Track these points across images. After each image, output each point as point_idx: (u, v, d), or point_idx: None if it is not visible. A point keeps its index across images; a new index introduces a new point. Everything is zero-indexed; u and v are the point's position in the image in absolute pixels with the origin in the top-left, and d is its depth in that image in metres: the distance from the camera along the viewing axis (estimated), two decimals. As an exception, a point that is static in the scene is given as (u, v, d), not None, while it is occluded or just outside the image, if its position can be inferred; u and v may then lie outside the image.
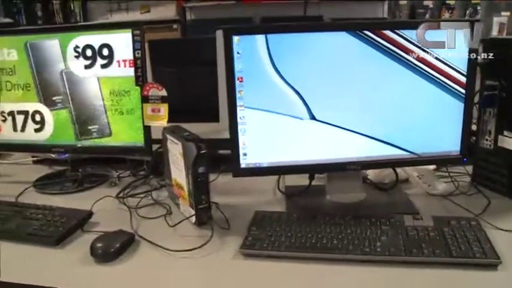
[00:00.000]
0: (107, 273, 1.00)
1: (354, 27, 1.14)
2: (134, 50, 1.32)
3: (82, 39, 1.37)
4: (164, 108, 1.32)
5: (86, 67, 1.38)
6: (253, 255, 1.03)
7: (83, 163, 1.54)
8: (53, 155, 1.51)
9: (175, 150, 1.18)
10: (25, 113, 1.47)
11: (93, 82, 1.38)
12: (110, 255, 1.04)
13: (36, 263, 1.06)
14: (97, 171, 1.54)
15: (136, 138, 1.37)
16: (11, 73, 1.46)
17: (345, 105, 1.17)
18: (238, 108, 1.15)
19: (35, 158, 1.67)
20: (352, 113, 1.18)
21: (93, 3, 3.56)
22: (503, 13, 3.30)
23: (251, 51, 1.12)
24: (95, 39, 1.35)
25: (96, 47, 1.36)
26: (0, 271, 1.02)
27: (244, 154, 1.18)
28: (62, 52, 1.39)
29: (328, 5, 3.28)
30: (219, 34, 1.45)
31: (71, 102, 1.41)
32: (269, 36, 1.12)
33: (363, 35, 1.13)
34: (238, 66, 1.12)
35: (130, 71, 1.34)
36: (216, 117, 1.58)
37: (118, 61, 1.35)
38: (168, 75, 1.92)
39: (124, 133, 1.38)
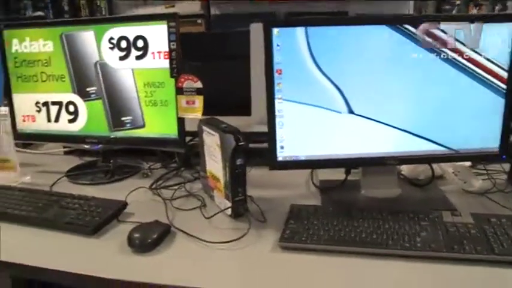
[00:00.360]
0: (145, 264, 1.00)
1: (395, 21, 1.12)
2: (169, 41, 1.32)
3: (117, 31, 1.37)
4: (199, 100, 1.32)
5: (121, 58, 1.38)
6: (291, 248, 1.02)
7: (114, 154, 1.55)
8: (85, 146, 1.51)
9: (211, 142, 1.18)
10: (59, 103, 1.48)
11: (127, 73, 1.38)
12: (147, 245, 1.04)
13: (74, 252, 1.07)
14: (128, 162, 1.55)
15: (169, 130, 1.37)
16: (46, 64, 1.47)
17: (384, 99, 1.16)
18: (276, 101, 1.14)
19: (66, 149, 1.69)
20: (390, 107, 1.17)
21: (118, -3, 3.60)
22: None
23: (291, 44, 1.11)
24: (130, 30, 1.36)
25: (131, 39, 1.36)
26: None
27: (282, 147, 1.17)
28: (96, 43, 1.40)
29: (354, 2, 3.25)
30: (254, 27, 1.45)
31: (104, 93, 1.42)
32: (309, 28, 1.11)
33: (403, 28, 1.12)
34: (277, 58, 1.12)
35: (165, 63, 1.34)
36: (244, 111, 1.58)
37: (153, 53, 1.34)
38: (193, 69, 1.91)
39: (157, 125, 1.39)
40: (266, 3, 3.29)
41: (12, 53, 1.50)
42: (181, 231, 1.11)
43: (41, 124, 1.52)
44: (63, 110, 1.48)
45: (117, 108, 1.42)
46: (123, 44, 1.37)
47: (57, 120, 1.50)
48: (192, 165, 1.47)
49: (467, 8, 3.25)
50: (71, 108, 1.47)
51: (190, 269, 0.98)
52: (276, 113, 1.14)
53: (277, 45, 1.11)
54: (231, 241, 1.05)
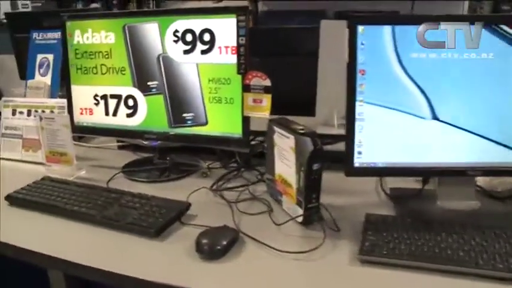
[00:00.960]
0: (215, 271, 0.95)
1: (489, 20, 1.03)
2: (238, 36, 1.26)
3: (182, 24, 1.31)
4: (267, 99, 1.25)
5: (185, 52, 1.32)
6: (372, 262, 0.95)
7: (170, 151, 1.50)
8: (143, 142, 1.46)
9: (284, 144, 1.11)
10: (118, 97, 1.44)
11: (191, 68, 1.33)
12: (216, 252, 0.98)
13: (136, 254, 1.02)
14: (185, 160, 1.49)
15: (233, 129, 1.31)
16: (107, 56, 1.42)
17: (471, 106, 1.07)
18: (357, 103, 1.06)
19: (120, 143, 1.64)
20: (476, 114, 1.08)
21: (165, -10, 3.56)
22: None
23: (376, 43, 1.04)
24: (196, 23, 1.30)
25: (197, 32, 1.30)
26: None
27: (359, 153, 1.10)
28: (160, 36, 1.34)
29: (406, 3, 3.13)
30: (325, 24, 1.38)
31: (166, 88, 1.37)
32: (396, 27, 1.03)
33: (498, 29, 1.03)
34: (361, 58, 1.04)
35: (232, 58, 1.28)
36: (306, 111, 1.51)
37: (219, 47, 1.28)
38: (252, 64, 1.85)
39: (221, 123, 1.33)
40: (315, 2, 3.20)
41: (74, 44, 1.47)
42: (251, 237, 1.04)
43: (98, 117, 1.48)
44: (122, 104, 1.44)
45: (178, 104, 1.36)
46: (189, 37, 1.31)
47: (115, 114, 1.45)
48: (253, 166, 1.40)
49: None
50: (130, 102, 1.42)
51: (262, 279, 0.92)
52: (356, 116, 1.07)
53: (362, 43, 1.03)
54: (307, 251, 0.98)
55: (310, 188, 1.06)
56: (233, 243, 1.02)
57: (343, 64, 1.31)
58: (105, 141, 1.71)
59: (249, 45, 1.26)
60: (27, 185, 1.32)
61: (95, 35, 1.43)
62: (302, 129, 1.06)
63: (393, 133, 1.09)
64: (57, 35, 1.76)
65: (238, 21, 1.25)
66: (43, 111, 1.59)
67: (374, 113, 1.07)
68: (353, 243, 1.01)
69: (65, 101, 1.56)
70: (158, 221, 1.09)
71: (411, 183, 1.24)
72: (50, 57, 1.78)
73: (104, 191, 1.26)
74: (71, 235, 1.10)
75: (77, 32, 1.45)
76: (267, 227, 1.10)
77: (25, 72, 1.85)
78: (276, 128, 1.15)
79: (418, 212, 1.15)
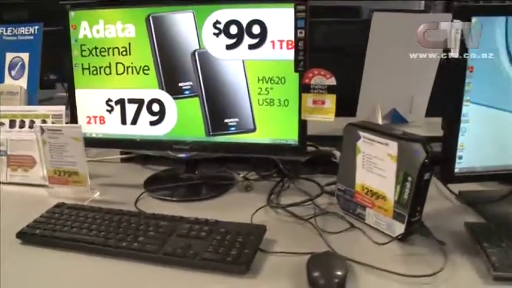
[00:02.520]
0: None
1: None
2: (296, 28, 1.09)
3: (225, 13, 1.12)
4: (331, 100, 1.10)
5: (228, 47, 1.13)
6: (504, 278, 0.85)
7: (195, 163, 1.30)
8: (171, 153, 1.24)
9: (375, 151, 0.97)
10: (139, 101, 1.21)
11: (236, 66, 1.14)
12: (335, 285, 0.82)
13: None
14: (216, 173, 1.30)
15: (287, 135, 1.15)
16: (124, 53, 1.19)
17: None
18: (463, 103, 0.95)
19: (124, 156, 1.40)
20: None
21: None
22: None
23: (488, 36, 0.93)
24: (244, 13, 1.11)
25: (244, 24, 1.12)
26: None
27: (460, 157, 0.99)
28: (196, 28, 1.14)
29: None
30: (377, 17, 1.26)
31: (203, 89, 1.16)
32: (510, 19, 0.93)
33: None
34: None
35: (288, 54, 1.11)
36: (344, 110, 1.38)
37: (272, 41, 1.11)
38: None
39: (273, 128, 1.16)
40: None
41: (80, 38, 1.21)
42: (358, 262, 0.89)
43: (112, 127, 1.24)
44: (144, 110, 1.21)
45: (219, 107, 1.17)
46: (233, 29, 1.12)
47: (134, 122, 1.22)
48: (300, 175, 1.25)
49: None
50: (155, 107, 1.20)
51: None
52: (462, 117, 0.96)
53: (473, 37, 0.92)
54: (433, 274, 0.85)
55: (417, 200, 0.93)
56: (347, 272, 0.86)
57: (394, 59, 1.21)
58: (102, 153, 1.45)
59: (309, 39, 1.10)
60: (41, 216, 1.06)
61: (108, 28, 1.19)
62: (405, 135, 0.93)
63: (497, 135, 0.99)
64: (34, 29, 1.48)
65: (296, 12, 1.09)
66: (32, 121, 1.31)
67: (480, 113, 0.97)
68: (470, 258, 0.90)
69: (61, 108, 1.29)
70: (243, 252, 0.90)
71: (475, 185, 1.15)
72: (25, 56, 1.48)
73: (147, 218, 1.03)
74: (125, 279, 0.88)
75: (84, 24, 1.20)
76: (363, 246, 0.96)
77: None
78: (361, 133, 1.00)
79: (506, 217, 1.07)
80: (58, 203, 1.11)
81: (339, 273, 0.84)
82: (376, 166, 0.98)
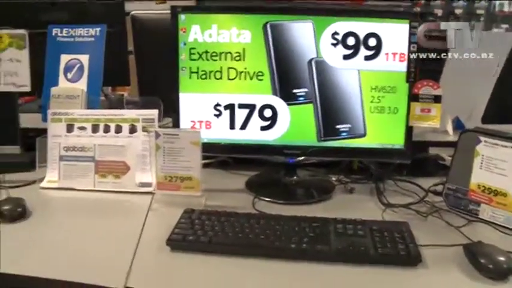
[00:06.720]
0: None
1: None
2: (410, 43, 1.20)
3: (343, 25, 1.19)
4: (436, 109, 1.22)
5: (345, 57, 1.20)
6: None
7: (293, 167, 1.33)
8: (281, 158, 1.27)
9: (498, 153, 1.10)
10: (251, 107, 1.22)
11: (351, 75, 1.21)
12: (503, 271, 0.93)
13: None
14: (312, 176, 1.35)
15: (394, 140, 1.24)
16: (237, 58, 1.20)
17: None
18: None
19: (207, 161, 1.38)
20: None
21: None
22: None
23: None
24: (361, 26, 1.19)
25: (361, 36, 1.19)
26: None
27: None
28: (315, 38, 1.19)
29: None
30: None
31: (318, 96, 1.21)
32: None
33: None
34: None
35: (400, 66, 1.21)
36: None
37: (386, 53, 1.20)
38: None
39: (381, 134, 1.24)
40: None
41: (189, 42, 1.20)
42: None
43: (219, 131, 1.24)
44: (256, 115, 1.23)
45: (332, 114, 1.22)
46: (351, 40, 1.19)
47: (243, 127, 1.23)
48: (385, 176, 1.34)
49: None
50: (267, 113, 1.22)
51: None
52: None
53: None
54: None
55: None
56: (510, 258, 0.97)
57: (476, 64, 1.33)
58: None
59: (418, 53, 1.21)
60: (180, 223, 1.04)
61: (221, 33, 1.19)
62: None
63: None
64: (96, 31, 1.40)
65: (411, 27, 1.19)
66: (118, 126, 1.25)
67: None
68: None
69: (153, 112, 1.25)
70: (409, 245, 0.98)
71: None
72: (83, 58, 1.40)
73: (294, 220, 1.06)
74: (298, 279, 0.91)
75: (195, 28, 1.19)
76: (495, 236, 1.08)
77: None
78: (483, 138, 1.13)
79: None
80: (187, 209, 1.09)
81: (503, 258, 0.94)
82: (497, 166, 1.11)
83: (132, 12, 1.63)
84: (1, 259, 0.93)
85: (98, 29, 1.40)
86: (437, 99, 1.21)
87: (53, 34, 1.42)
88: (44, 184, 1.26)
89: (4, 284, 0.91)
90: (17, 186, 1.25)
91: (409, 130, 1.23)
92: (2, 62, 1.25)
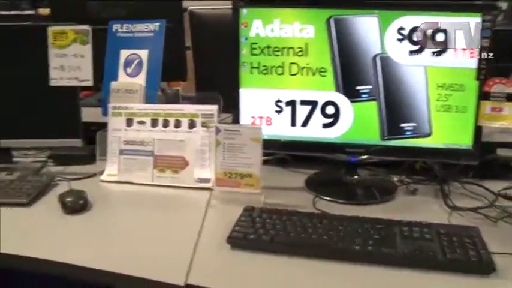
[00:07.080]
0: None
1: None
2: (482, 38, 1.13)
3: (410, 20, 1.14)
4: (509, 108, 1.15)
5: (412, 53, 1.15)
6: None
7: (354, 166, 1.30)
8: (342, 156, 1.23)
9: None
10: (312, 103, 1.20)
11: (417, 72, 1.16)
12: None
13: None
14: (372, 176, 1.31)
15: (461, 140, 1.18)
16: (300, 53, 1.17)
17: None
18: None
19: (266, 157, 1.36)
20: None
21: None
22: None
23: None
24: (428, 21, 1.14)
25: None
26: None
27: None
28: (380, 33, 1.15)
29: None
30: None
31: (382, 93, 1.17)
32: None
33: None
34: None
35: (469, 62, 1.15)
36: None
37: (455, 49, 1.14)
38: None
39: (448, 133, 1.18)
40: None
41: (251, 37, 1.18)
42: None
43: (280, 128, 1.22)
44: (318, 112, 1.20)
45: (396, 112, 1.18)
46: (417, 36, 1.14)
47: (305, 124, 1.21)
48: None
49: None
50: (330, 109, 1.19)
51: None
52: None
53: None
54: None
55: None
56: None
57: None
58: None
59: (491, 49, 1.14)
60: (240, 221, 1.02)
61: (284, 27, 1.17)
62: None
63: None
64: (155, 26, 1.41)
65: (483, 21, 1.13)
66: (177, 120, 1.25)
67: None
68: None
69: (213, 107, 1.25)
70: (481, 252, 0.92)
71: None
72: (143, 53, 1.41)
73: (353, 221, 1.02)
74: (361, 281, 0.88)
75: (257, 23, 1.17)
76: None
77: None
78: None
79: None
80: (247, 207, 1.07)
81: None
82: None
83: (190, 8, 1.63)
84: (67, 250, 0.94)
85: (158, 24, 1.41)
86: (510, 97, 1.15)
87: (113, 30, 1.44)
88: (103, 177, 1.27)
89: (65, 272, 0.91)
90: (78, 179, 1.27)
91: (477, 130, 1.17)
92: (66, 57, 1.27)
